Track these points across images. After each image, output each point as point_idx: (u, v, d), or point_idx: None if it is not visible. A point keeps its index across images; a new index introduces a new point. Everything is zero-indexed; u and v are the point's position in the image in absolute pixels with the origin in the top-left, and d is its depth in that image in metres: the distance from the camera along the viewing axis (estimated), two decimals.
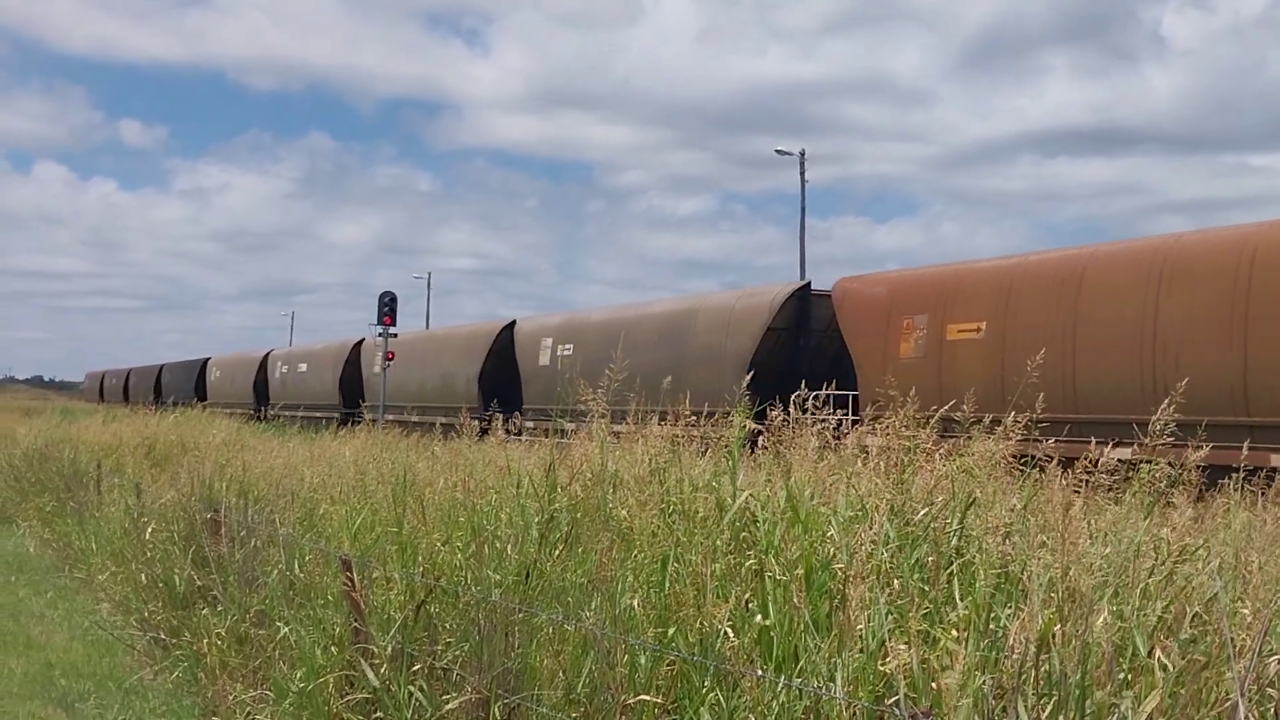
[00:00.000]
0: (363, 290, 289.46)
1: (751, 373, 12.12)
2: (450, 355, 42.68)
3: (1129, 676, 4.42)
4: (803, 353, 27.64)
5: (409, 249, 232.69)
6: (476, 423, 11.24)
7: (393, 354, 41.17)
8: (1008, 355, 20.14)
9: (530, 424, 9.03)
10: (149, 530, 11.37)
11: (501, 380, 37.15)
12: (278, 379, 60.75)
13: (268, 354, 64.86)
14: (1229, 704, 4.10)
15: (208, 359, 75.86)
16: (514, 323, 39.39)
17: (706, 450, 7.82)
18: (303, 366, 57.98)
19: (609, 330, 32.08)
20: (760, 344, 26.74)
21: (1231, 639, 4.21)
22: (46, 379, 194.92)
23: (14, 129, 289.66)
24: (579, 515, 7.09)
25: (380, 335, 40.87)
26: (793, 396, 7.80)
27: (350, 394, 49.77)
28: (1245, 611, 4.73)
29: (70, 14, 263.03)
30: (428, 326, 74.38)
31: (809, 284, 28.77)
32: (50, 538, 16.13)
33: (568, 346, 34.36)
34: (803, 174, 52.10)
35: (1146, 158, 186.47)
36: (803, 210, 52.00)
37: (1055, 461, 6.53)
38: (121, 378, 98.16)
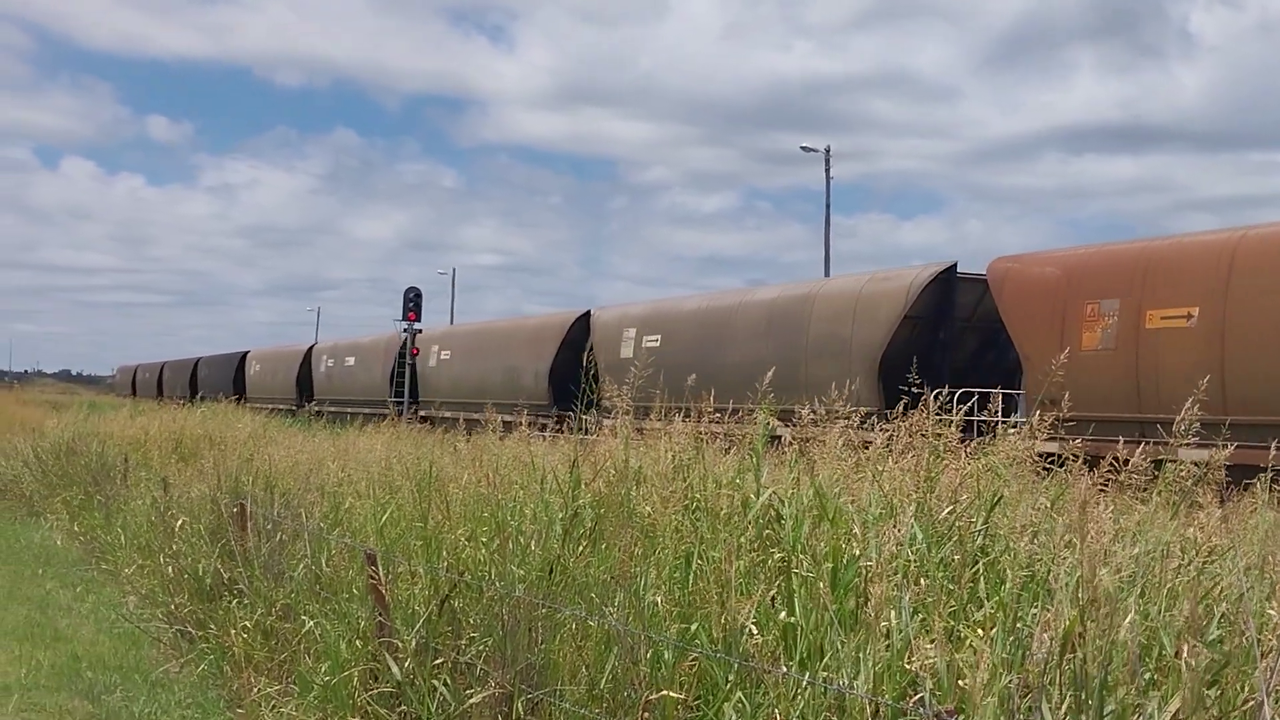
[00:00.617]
0: (388, 286, 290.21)
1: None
2: (516, 348, 39.51)
3: (1154, 676, 4.40)
4: (941, 345, 24.52)
5: (434, 245, 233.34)
6: (549, 421, 11.08)
7: (418, 349, 41.32)
8: (1228, 347, 17.28)
9: (610, 422, 8.71)
10: (179, 524, 11.43)
11: (573, 375, 34.05)
12: (323, 373, 56.84)
13: (311, 347, 61.38)
14: (1253, 703, 4.08)
15: (247, 352, 71.03)
16: (589, 313, 36.39)
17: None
18: (350, 360, 53.76)
19: (704, 320, 30.01)
20: (894, 335, 23.61)
21: (1258, 639, 4.19)
22: (74, 373, 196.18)
23: (42, 124, 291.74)
24: (603, 511, 7.10)
25: (405, 331, 41.03)
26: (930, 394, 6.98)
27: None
28: (1272, 612, 4.70)
29: (98, 10, 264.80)
30: (452, 322, 72.40)
31: (954, 265, 24.64)
32: (78, 531, 16.22)
33: (654, 338, 31.49)
34: (828, 170, 52.00)
35: (1173, 155, 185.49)
36: (828, 207, 52.14)
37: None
38: (154, 372, 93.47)
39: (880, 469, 6.65)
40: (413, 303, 41.13)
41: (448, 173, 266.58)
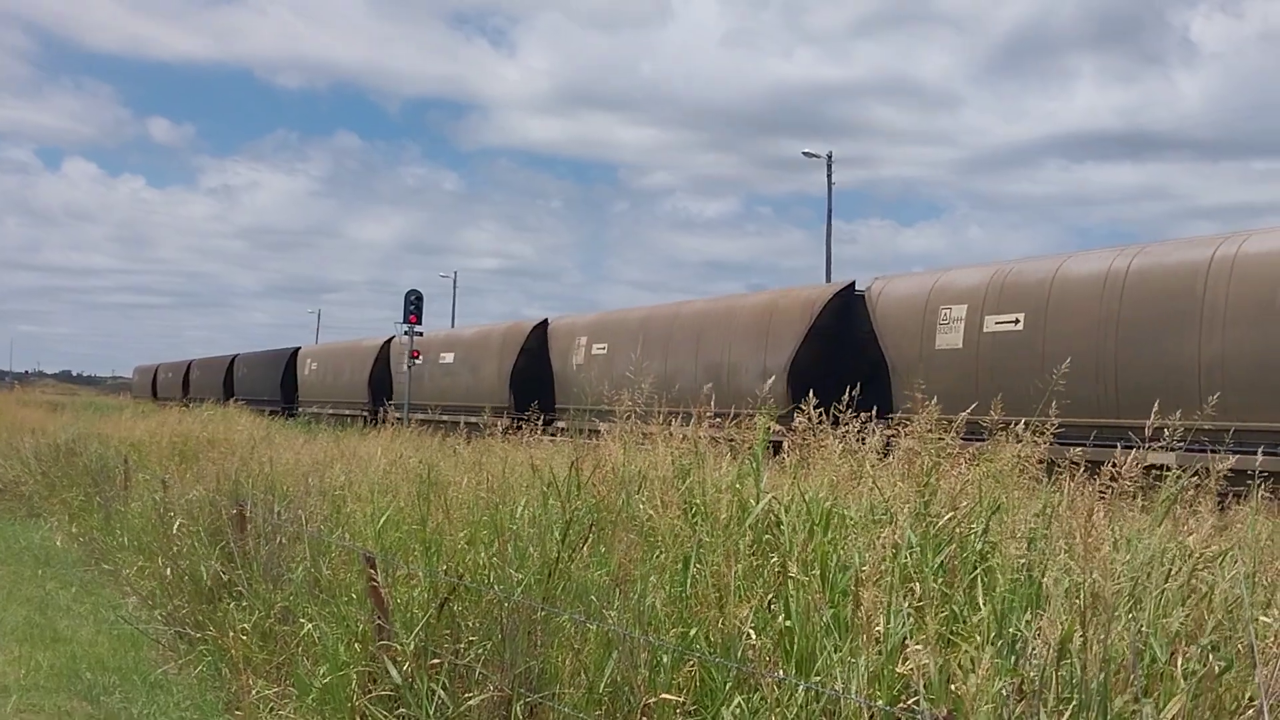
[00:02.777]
0: (388, 289, 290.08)
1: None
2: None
3: (1148, 683, 4.41)
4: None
5: (434, 248, 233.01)
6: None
7: (418, 352, 41.32)
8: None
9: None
10: (175, 525, 11.44)
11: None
12: (404, 371, 44.54)
13: (388, 340, 49.14)
14: (1252, 709, 4.09)
15: (298, 349, 63.30)
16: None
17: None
18: (448, 357, 44.43)
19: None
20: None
21: (1256, 646, 4.20)
22: (75, 374, 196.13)
23: (45, 126, 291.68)
24: (602, 514, 7.11)
25: (407, 334, 41.04)
26: None
27: (521, 394, 36.18)
28: (1265, 619, 4.71)
29: (100, 12, 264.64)
30: (453, 325, 71.95)
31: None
32: (77, 532, 16.23)
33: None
34: (829, 176, 52.09)
35: (1176, 163, 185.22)
36: (829, 212, 52.03)
37: None
38: (179, 372, 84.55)
39: (876, 474, 6.66)
40: (414, 305, 41.10)
41: (449, 176, 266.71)
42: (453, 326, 68.54)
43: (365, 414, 42.74)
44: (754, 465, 6.92)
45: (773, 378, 24.38)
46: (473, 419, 13.27)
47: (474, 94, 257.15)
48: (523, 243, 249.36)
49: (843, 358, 24.39)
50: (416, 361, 40.73)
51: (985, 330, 21.11)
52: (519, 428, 11.04)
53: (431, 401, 41.42)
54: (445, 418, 36.73)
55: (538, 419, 8.93)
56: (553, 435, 8.98)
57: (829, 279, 46.59)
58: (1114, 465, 5.49)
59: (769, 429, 7.35)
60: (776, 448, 7.69)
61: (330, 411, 47.75)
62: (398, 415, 30.14)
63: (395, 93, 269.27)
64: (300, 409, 52.01)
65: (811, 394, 7.41)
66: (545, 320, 38.08)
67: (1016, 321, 20.59)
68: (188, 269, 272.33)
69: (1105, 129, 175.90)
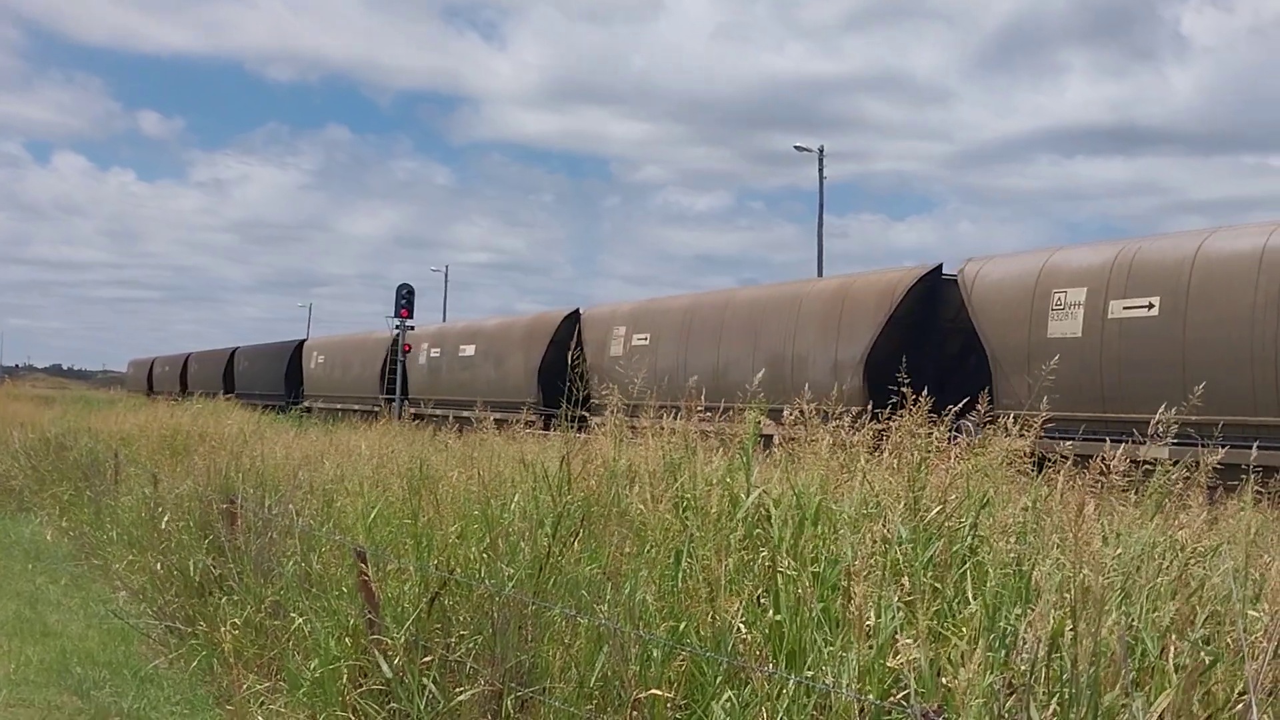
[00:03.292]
0: (380, 283, 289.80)
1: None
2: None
3: (1140, 677, 4.41)
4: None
5: (425, 242, 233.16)
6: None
7: (409, 345, 41.31)
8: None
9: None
10: (165, 520, 11.42)
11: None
12: (422, 365, 44.24)
13: (398, 334, 43.54)
14: (1242, 704, 4.10)
15: (303, 341, 60.42)
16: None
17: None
18: (468, 349, 41.79)
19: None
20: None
21: (1246, 640, 4.21)
22: (65, 368, 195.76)
23: (35, 119, 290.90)
24: (593, 509, 7.11)
25: (398, 328, 41.02)
26: None
27: (550, 387, 35.26)
28: (1255, 614, 4.72)
29: (91, 5, 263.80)
30: (444, 319, 70.42)
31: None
32: (67, 526, 16.21)
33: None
34: (821, 170, 52.04)
35: (1166, 157, 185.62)
36: (821, 207, 51.93)
37: None
38: (176, 365, 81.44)
39: (867, 469, 6.67)
40: (405, 299, 41.09)
41: (440, 170, 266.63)
42: (444, 320, 68.02)
43: (378, 409, 37.44)
44: (744, 459, 6.92)
45: (848, 372, 23.59)
46: (499, 415, 13.13)
47: (465, 88, 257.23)
48: (514, 237, 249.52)
49: (928, 349, 22.87)
50: (408, 355, 40.68)
51: (1111, 316, 19.12)
52: (546, 425, 10.99)
53: (450, 396, 39.57)
54: (466, 414, 34.25)
55: (573, 414, 8.69)
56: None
57: (820, 273, 46.64)
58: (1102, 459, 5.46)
59: (759, 423, 7.34)
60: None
61: (339, 407, 45.66)
62: (414, 412, 28.59)
63: (387, 86, 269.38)
64: (307, 404, 49.98)
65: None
66: (576, 310, 36.24)
67: (1150, 306, 18.56)
68: (178, 263, 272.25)
69: (1096, 123, 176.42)
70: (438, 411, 33.99)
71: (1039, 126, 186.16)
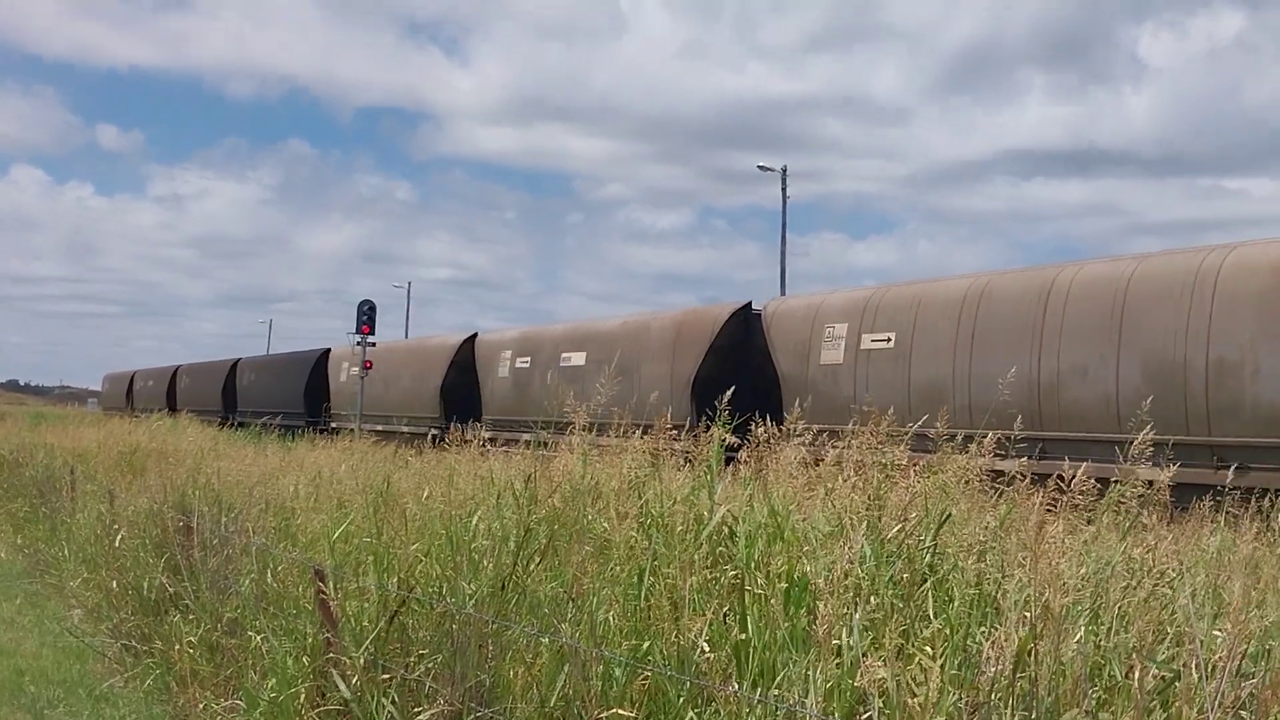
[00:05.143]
0: (340, 298, 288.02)
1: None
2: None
3: (1104, 696, 4.42)
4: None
5: (387, 258, 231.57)
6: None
7: (370, 362, 41.10)
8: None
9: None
10: (119, 537, 11.29)
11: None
12: (503, 378, 36.88)
13: (470, 339, 39.30)
14: None
15: (328, 350, 49.90)
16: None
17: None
18: (574, 357, 33.98)
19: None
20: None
21: (1205, 661, 4.22)
22: (21, 383, 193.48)
23: None
24: (557, 527, 7.07)
25: (359, 344, 40.80)
26: None
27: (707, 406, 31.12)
28: (1218, 634, 4.73)
29: (49, 17, 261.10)
30: (407, 336, 69.32)
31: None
32: (22, 543, 16.01)
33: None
34: (784, 190, 52.21)
35: (1123, 179, 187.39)
36: (784, 226, 52.10)
37: None
38: (162, 379, 70.80)
39: (831, 487, 6.66)
40: (367, 316, 40.87)
41: (402, 185, 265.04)
42: (406, 337, 66.62)
43: (437, 431, 31.67)
44: (709, 477, 6.90)
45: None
46: (405, 429, 12.64)
47: (427, 103, 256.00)
48: (476, 253, 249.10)
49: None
50: (369, 372, 40.42)
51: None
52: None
53: (544, 417, 35.09)
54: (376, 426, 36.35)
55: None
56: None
57: (783, 291, 46.76)
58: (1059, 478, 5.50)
59: (723, 440, 7.33)
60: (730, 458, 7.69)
61: (381, 428, 37.68)
62: (502, 436, 22.53)
63: (348, 101, 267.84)
64: (335, 424, 42.96)
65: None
66: (748, 304, 29.33)
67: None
68: (136, 278, 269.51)
69: (1054, 145, 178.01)
70: (523, 435, 32.41)
71: (997, 148, 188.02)
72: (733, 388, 8.52)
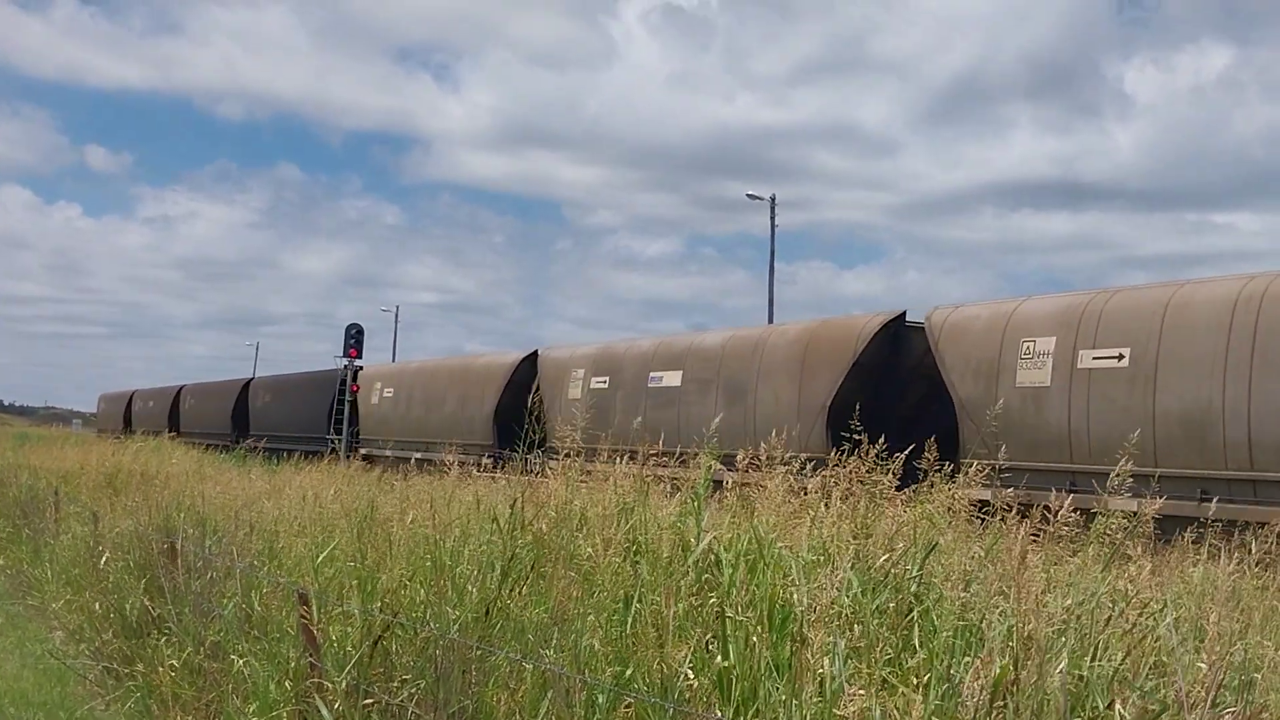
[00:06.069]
0: (328, 322, 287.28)
1: None
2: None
3: None
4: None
5: (375, 282, 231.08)
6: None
7: (359, 386, 41.09)
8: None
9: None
10: (103, 559, 11.24)
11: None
12: (574, 399, 31.80)
13: (530, 356, 35.12)
14: None
15: (359, 367, 43.51)
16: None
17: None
18: (667, 377, 29.01)
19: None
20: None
21: (1186, 690, 4.23)
22: (7, 404, 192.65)
23: None
24: (543, 553, 7.06)
25: (347, 367, 40.81)
26: None
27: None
28: (1201, 665, 4.74)
29: (37, 38, 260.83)
30: (394, 359, 68.70)
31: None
32: (4, 564, 15.92)
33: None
34: (773, 219, 52.37)
35: (1110, 213, 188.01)
36: (772, 254, 52.19)
37: None
38: (164, 400, 67.19)
39: (817, 515, 6.67)
40: (354, 339, 40.87)
41: (390, 210, 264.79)
42: (394, 360, 65.98)
43: (492, 457, 27.24)
44: (695, 504, 6.91)
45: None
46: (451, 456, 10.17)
47: (417, 129, 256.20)
48: (464, 278, 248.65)
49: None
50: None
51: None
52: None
53: (626, 445, 30.60)
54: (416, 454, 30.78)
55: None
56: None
57: (771, 320, 46.81)
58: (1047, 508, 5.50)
59: (711, 468, 7.34)
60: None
61: (422, 455, 32.62)
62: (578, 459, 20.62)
63: (337, 125, 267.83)
64: (365, 450, 39.57)
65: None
66: (902, 314, 25.34)
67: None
68: (123, 299, 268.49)
69: (1041, 178, 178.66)
70: (390, 454, 31.64)
71: (984, 180, 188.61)
72: (891, 414, 7.84)
